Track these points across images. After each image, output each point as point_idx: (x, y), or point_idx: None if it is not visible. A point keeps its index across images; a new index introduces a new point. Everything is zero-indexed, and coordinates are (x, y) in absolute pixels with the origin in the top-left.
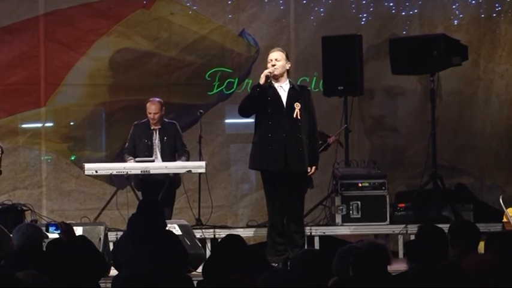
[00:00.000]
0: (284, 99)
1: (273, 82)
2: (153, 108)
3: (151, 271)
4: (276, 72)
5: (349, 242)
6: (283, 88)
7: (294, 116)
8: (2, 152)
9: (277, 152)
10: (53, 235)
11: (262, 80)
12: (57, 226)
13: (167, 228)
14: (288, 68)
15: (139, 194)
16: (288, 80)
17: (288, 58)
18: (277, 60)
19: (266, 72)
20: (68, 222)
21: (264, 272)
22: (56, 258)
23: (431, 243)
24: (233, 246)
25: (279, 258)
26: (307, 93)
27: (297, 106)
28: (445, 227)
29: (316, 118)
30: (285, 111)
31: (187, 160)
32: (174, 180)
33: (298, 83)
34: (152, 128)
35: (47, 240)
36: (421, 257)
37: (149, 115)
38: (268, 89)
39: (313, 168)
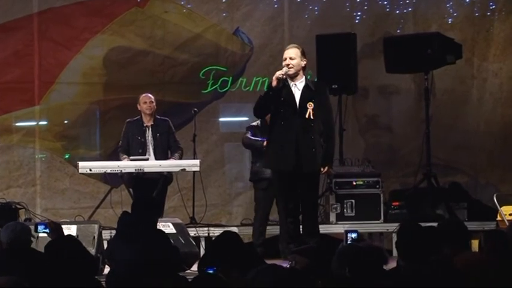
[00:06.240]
0: (297, 99)
1: (288, 80)
2: (148, 97)
3: (138, 269)
4: (290, 72)
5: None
6: (297, 87)
7: (306, 116)
8: None
9: (288, 153)
10: (42, 234)
11: (274, 83)
12: (46, 225)
13: (159, 227)
14: (303, 65)
15: (130, 191)
16: (303, 78)
17: (303, 55)
18: (291, 58)
19: (278, 74)
20: (61, 220)
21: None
22: (47, 259)
23: (411, 241)
24: (229, 242)
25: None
26: (323, 90)
27: (310, 106)
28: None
29: (332, 116)
30: (297, 111)
31: (181, 157)
32: (166, 177)
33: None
34: (145, 124)
35: (34, 239)
36: (407, 254)
37: (144, 105)
38: (282, 89)
39: (326, 168)
